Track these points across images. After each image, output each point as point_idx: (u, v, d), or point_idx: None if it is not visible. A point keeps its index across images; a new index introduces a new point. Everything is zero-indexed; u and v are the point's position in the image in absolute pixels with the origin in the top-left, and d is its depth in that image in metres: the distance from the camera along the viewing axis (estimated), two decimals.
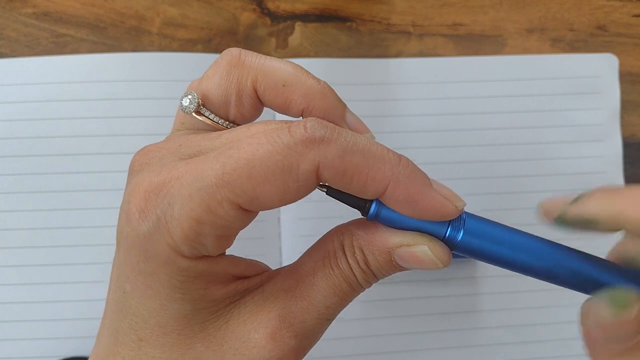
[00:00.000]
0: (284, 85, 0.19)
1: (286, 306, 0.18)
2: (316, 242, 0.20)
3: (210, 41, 0.36)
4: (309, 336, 0.19)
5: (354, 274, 0.19)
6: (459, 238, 0.18)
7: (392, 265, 0.19)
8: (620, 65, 0.38)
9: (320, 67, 0.36)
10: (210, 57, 0.35)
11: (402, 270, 0.19)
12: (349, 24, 0.37)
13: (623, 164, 0.37)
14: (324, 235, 0.20)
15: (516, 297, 0.36)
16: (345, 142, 0.17)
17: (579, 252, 0.19)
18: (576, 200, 0.18)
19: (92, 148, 0.34)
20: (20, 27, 0.35)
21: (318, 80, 0.20)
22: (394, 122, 0.36)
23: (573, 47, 0.38)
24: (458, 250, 0.19)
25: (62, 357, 0.33)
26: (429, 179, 0.18)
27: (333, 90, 0.20)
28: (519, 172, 0.37)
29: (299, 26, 0.37)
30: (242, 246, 0.33)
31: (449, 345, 0.35)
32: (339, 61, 0.36)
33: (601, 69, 0.38)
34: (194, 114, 0.19)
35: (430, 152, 0.36)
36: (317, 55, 0.37)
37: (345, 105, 0.20)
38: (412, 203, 0.17)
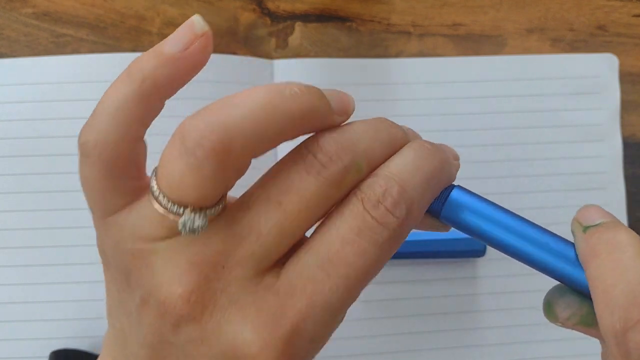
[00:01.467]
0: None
1: None
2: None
3: None
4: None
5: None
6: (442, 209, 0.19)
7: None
8: (620, 65, 0.38)
9: (320, 67, 0.36)
10: (210, 57, 0.35)
11: None
12: (349, 24, 0.37)
13: (623, 164, 0.37)
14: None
15: (517, 298, 0.36)
16: (420, 200, 0.17)
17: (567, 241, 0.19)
18: (589, 228, 0.19)
19: None
20: (20, 27, 0.35)
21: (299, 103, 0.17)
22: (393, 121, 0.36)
23: (573, 47, 0.38)
24: (443, 218, 0.19)
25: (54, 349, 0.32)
26: (446, 151, 0.20)
27: (313, 96, 0.17)
28: (519, 172, 0.37)
29: (299, 26, 0.37)
30: None
31: (449, 345, 0.35)
32: (338, 61, 0.36)
33: (601, 69, 0.38)
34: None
35: None
36: (317, 55, 0.37)
37: (327, 103, 0.18)
38: None
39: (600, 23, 0.39)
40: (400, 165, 0.17)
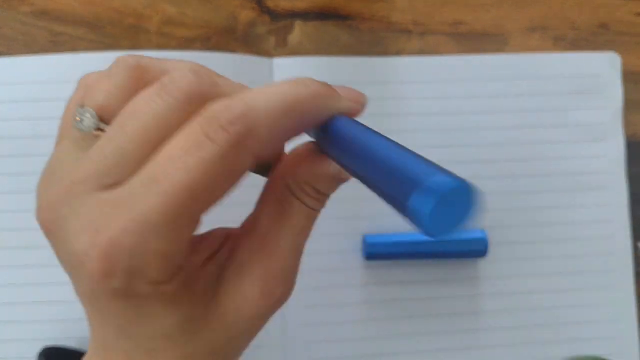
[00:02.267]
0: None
1: (262, 266, 0.20)
2: (263, 194, 0.21)
3: (209, 40, 0.36)
4: (292, 278, 0.20)
5: (309, 206, 0.20)
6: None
7: (339, 181, 0.20)
8: (623, 64, 0.38)
9: (320, 66, 0.36)
10: (210, 56, 0.35)
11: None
12: (349, 22, 0.37)
13: (626, 164, 0.37)
14: (268, 186, 0.21)
15: (519, 299, 0.36)
16: (267, 123, 0.17)
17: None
18: None
19: None
20: (18, 25, 0.35)
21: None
22: (394, 121, 0.36)
23: (575, 45, 0.38)
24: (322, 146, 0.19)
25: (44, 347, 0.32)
26: (334, 91, 0.19)
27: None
28: (521, 171, 0.36)
29: (298, 24, 0.37)
30: None
31: (452, 347, 0.35)
32: (339, 60, 0.36)
33: (604, 68, 0.37)
34: (93, 132, 0.18)
35: (431, 151, 0.36)
36: (317, 53, 0.37)
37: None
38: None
39: (603, 22, 0.38)
40: (260, 90, 0.17)
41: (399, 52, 0.37)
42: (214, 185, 0.17)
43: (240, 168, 0.17)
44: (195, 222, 0.17)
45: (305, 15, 0.37)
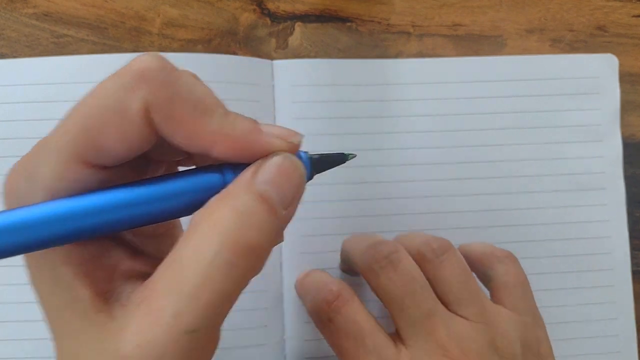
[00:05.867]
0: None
1: (173, 261, 0.19)
2: None
3: (211, 41, 0.36)
4: (204, 298, 0.18)
5: None
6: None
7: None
8: (620, 65, 0.38)
9: (320, 68, 0.36)
10: (211, 57, 0.35)
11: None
12: (348, 24, 0.37)
13: (623, 164, 0.37)
14: None
15: None
16: (180, 88, 0.17)
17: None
18: None
19: None
20: (21, 27, 0.35)
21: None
22: (393, 122, 0.36)
23: (573, 47, 0.38)
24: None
25: None
26: (257, 123, 0.18)
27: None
28: (519, 172, 0.37)
29: (299, 26, 0.37)
30: None
31: None
32: (338, 62, 0.36)
33: (601, 70, 0.38)
34: None
35: (430, 152, 0.36)
36: (317, 55, 0.37)
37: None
38: (245, 152, 0.18)
39: (600, 23, 0.39)
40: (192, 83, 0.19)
41: (398, 54, 0.37)
42: (108, 117, 0.17)
43: (130, 107, 0.16)
44: (88, 169, 0.17)
45: (306, 17, 0.37)
